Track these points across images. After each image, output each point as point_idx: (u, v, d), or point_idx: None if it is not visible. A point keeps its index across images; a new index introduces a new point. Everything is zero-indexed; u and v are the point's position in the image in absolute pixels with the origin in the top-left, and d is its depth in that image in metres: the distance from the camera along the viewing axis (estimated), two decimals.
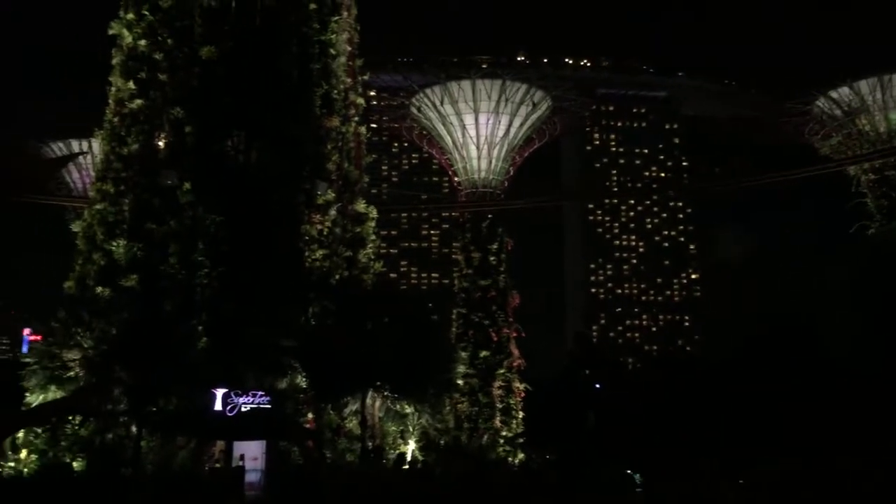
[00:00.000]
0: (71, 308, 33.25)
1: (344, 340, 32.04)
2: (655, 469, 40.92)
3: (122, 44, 39.57)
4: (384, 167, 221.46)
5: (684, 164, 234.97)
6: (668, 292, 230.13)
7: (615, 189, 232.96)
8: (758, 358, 38.26)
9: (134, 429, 30.76)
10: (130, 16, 39.48)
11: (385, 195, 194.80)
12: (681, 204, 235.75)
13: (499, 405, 65.58)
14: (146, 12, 39.19)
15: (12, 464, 31.70)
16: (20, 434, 32.30)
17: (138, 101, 38.55)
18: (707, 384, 39.97)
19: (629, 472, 42.56)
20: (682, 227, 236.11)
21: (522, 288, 73.89)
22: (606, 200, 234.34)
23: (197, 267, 35.59)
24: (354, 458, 34.68)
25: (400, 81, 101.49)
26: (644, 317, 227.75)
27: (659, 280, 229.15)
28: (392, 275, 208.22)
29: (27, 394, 32.16)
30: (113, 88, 39.62)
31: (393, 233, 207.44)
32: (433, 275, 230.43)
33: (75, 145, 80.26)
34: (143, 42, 38.94)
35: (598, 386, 58.54)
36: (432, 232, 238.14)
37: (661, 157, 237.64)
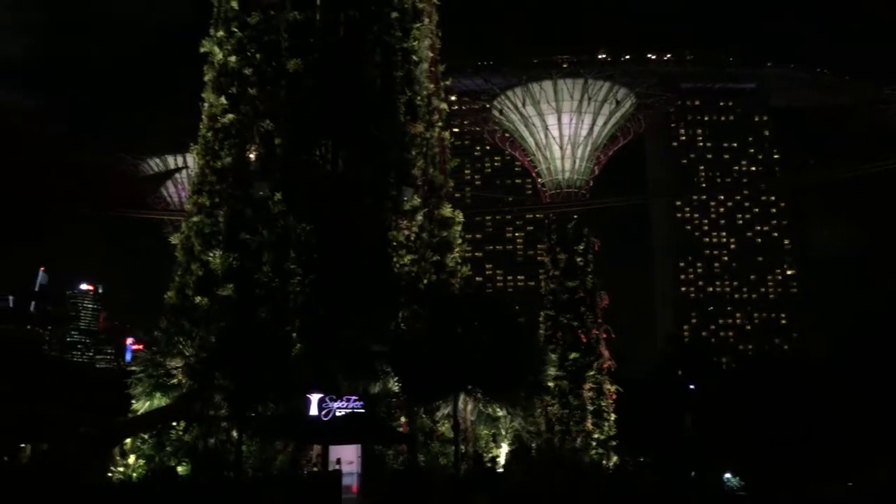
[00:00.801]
0: (172, 317, 34.53)
1: (435, 344, 32.20)
2: (756, 473, 39.75)
3: (213, 60, 40.87)
4: (467, 171, 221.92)
5: (776, 156, 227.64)
6: (763, 289, 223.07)
7: (703, 185, 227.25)
8: (862, 357, 36.78)
9: (235, 433, 31.68)
10: (221, 33, 40.75)
11: (468, 199, 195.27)
12: (773, 198, 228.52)
13: (590, 407, 64.63)
14: (235, 29, 40.38)
15: (122, 469, 33.04)
16: (128, 440, 33.65)
17: (230, 116, 39.75)
18: (808, 384, 38.61)
19: (728, 476, 41.45)
20: (775, 222, 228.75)
21: (610, 288, 72.79)
22: (695, 197, 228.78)
23: (289, 275, 36.44)
24: (448, 461, 34.81)
25: (481, 85, 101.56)
26: (738, 315, 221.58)
27: (752, 277, 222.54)
28: (478, 278, 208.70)
29: (133, 401, 33.45)
30: (206, 104, 40.99)
31: (478, 236, 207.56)
32: (518, 277, 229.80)
33: (171, 161, 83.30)
34: (233, 58, 40.13)
35: (692, 387, 57.22)
36: (517, 234, 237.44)
37: (751, 150, 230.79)
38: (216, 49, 40.77)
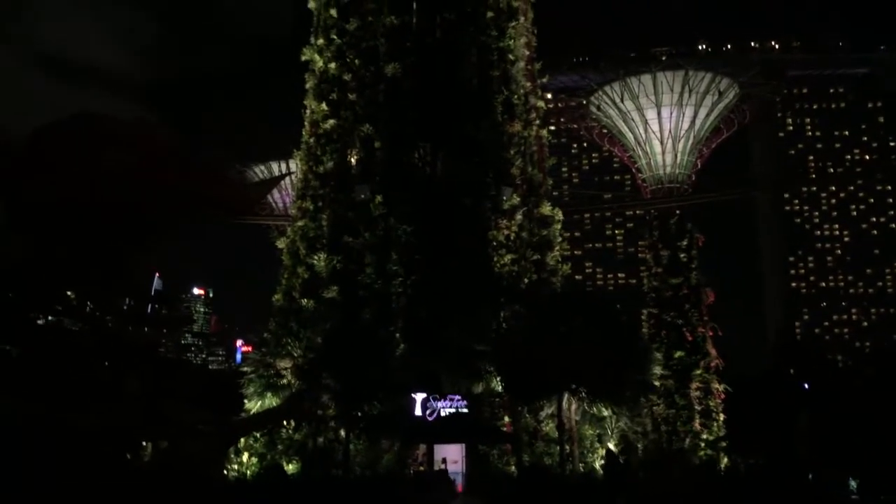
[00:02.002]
0: (280, 319, 35.58)
1: (537, 343, 32.04)
2: (875, 476, 37.94)
3: (314, 68, 41.91)
4: (565, 169, 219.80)
5: (891, 143, 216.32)
6: (880, 283, 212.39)
7: (813, 176, 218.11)
8: None
9: (342, 432, 32.37)
10: (321, 41, 41.74)
11: (567, 196, 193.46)
12: (890, 188, 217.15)
13: (697, 407, 63.12)
14: (335, 37, 41.28)
15: (236, 467, 34.20)
16: (241, 439, 34.77)
17: (331, 122, 40.67)
18: None
19: (847, 477, 39.67)
20: (892, 213, 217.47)
21: (716, 285, 70.87)
22: (804, 188, 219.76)
23: (392, 276, 37.00)
24: (552, 461, 34.59)
25: (577, 81, 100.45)
26: (853, 311, 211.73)
27: (868, 271, 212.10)
28: (577, 276, 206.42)
29: (245, 401, 34.58)
30: (308, 111, 42.07)
31: (576, 234, 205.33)
32: (619, 275, 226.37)
33: (275, 167, 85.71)
34: (332, 65, 41.04)
35: (806, 386, 55.04)
36: (616, 231, 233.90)
37: (865, 138, 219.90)
38: (317, 57, 41.77)
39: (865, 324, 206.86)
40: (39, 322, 17.07)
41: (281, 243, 42.03)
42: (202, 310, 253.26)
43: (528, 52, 45.76)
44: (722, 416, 62.81)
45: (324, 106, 40.87)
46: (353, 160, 40.47)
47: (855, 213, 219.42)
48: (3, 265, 15.20)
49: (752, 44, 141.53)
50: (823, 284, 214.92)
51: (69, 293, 17.11)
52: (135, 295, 19.73)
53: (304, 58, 42.19)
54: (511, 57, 42.81)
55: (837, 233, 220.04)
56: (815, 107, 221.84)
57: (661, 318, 66.88)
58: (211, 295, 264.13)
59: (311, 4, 42.68)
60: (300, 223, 40.55)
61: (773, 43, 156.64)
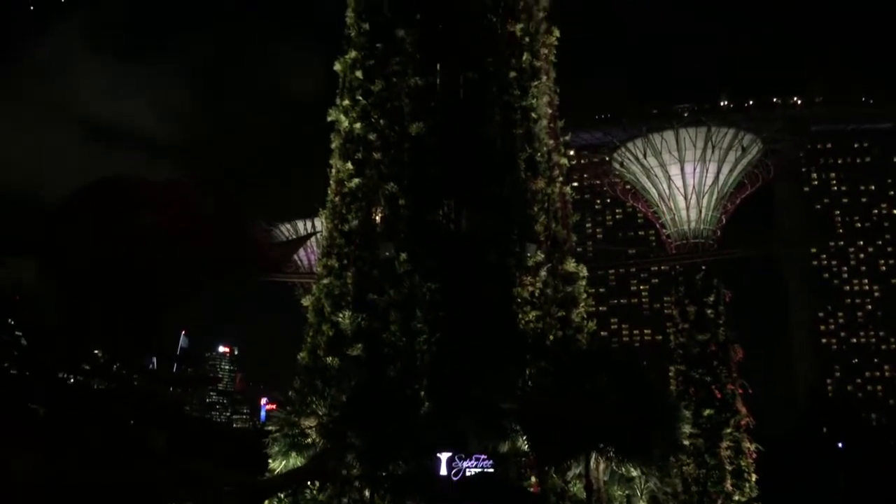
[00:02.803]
0: (305, 378, 35.54)
1: (564, 402, 31.70)
2: None
3: (339, 128, 42.57)
4: (588, 224, 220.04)
5: None
6: None
7: (840, 231, 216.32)
8: None
9: (367, 493, 31.98)
10: (346, 102, 42.46)
11: (591, 252, 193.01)
12: None
13: (728, 467, 61.76)
14: (360, 97, 41.98)
15: None
16: (266, 500, 34.46)
17: (356, 180, 41.12)
18: None
19: None
20: None
21: (744, 341, 69.95)
22: (832, 243, 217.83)
23: (416, 333, 36.92)
24: None
25: (600, 138, 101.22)
26: (885, 367, 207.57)
27: None
28: (603, 333, 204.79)
29: (270, 460, 34.36)
30: (333, 170, 42.62)
31: (601, 290, 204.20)
32: (645, 331, 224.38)
33: (301, 226, 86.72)
34: (358, 125, 41.66)
35: (840, 445, 53.75)
36: (641, 287, 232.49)
37: (891, 192, 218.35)
38: (342, 117, 42.45)
39: None
40: (67, 381, 17.22)
41: (306, 301, 42.20)
42: (227, 368, 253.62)
43: (550, 111, 46.20)
44: (754, 477, 61.38)
45: (349, 165, 41.40)
46: (377, 218, 40.79)
47: (884, 267, 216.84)
48: (34, 325, 15.45)
49: (775, 99, 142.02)
50: (854, 340, 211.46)
51: (97, 352, 17.29)
52: (162, 354, 19.88)
53: (329, 118, 42.90)
54: (534, 115, 43.25)
55: (867, 288, 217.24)
56: (839, 161, 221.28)
57: (689, 375, 65.91)
58: (236, 352, 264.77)
59: (338, 67, 43.55)
60: (325, 281, 40.75)
61: (795, 98, 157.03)
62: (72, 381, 17.38)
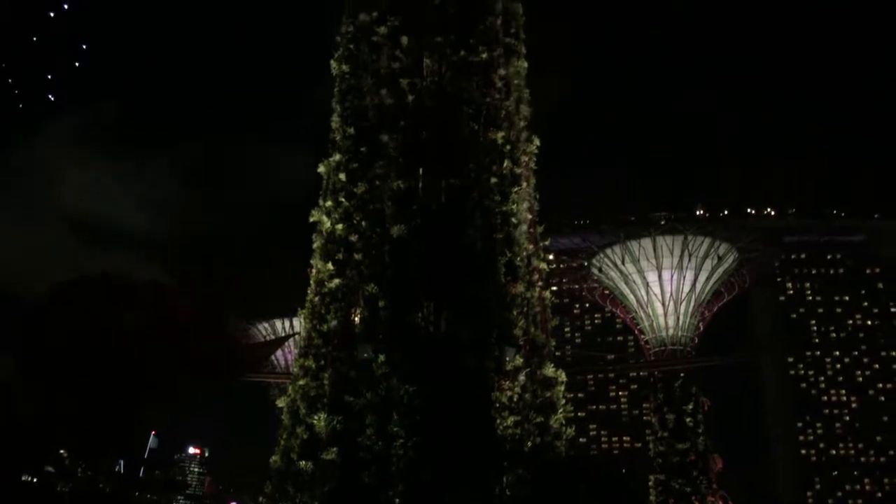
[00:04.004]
0: (278, 482, 34.61)
1: None
2: None
3: (321, 229, 42.92)
4: (567, 329, 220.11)
5: (892, 309, 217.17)
6: (891, 452, 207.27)
7: (817, 340, 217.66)
8: None
9: None
10: (329, 203, 42.97)
11: (570, 357, 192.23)
12: (894, 353, 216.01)
13: None
14: (343, 199, 42.53)
15: None
16: None
17: (336, 281, 41.18)
18: None
19: None
20: None
21: (724, 451, 69.28)
22: (808, 353, 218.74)
23: (393, 438, 36.27)
24: None
25: (579, 243, 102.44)
26: (866, 481, 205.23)
27: (879, 438, 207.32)
28: (582, 439, 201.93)
29: None
30: (314, 270, 42.71)
31: (580, 395, 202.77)
32: (624, 438, 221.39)
33: (279, 324, 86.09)
34: (340, 226, 42.05)
35: None
36: (620, 393, 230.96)
37: (865, 303, 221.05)
38: (325, 218, 42.86)
39: (879, 494, 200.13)
40: (31, 483, 16.71)
41: (281, 402, 41.52)
42: (197, 470, 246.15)
43: (530, 216, 46.93)
44: None
45: (330, 265, 41.54)
46: (356, 319, 40.66)
47: (861, 378, 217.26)
48: (6, 418, 15.12)
49: (749, 210, 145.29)
50: (834, 452, 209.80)
51: (62, 452, 16.85)
52: (130, 455, 19.40)
53: (312, 219, 43.29)
54: (514, 220, 43.86)
55: (845, 399, 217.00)
56: (814, 272, 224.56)
57: (668, 484, 64.98)
58: (207, 454, 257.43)
59: (322, 169, 44.30)
60: (301, 382, 40.24)
61: (769, 209, 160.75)
62: (35, 482, 16.87)
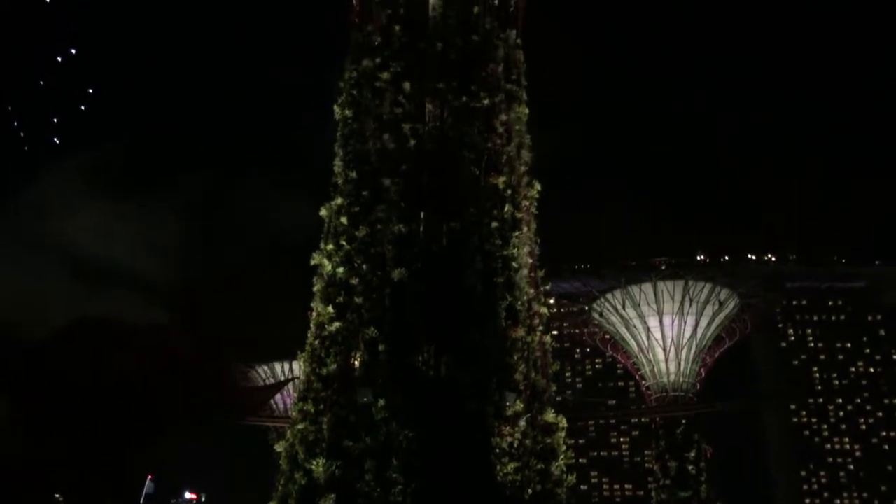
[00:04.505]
0: None
1: None
2: None
3: (322, 272, 42.95)
4: (568, 374, 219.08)
5: (894, 357, 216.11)
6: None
7: (819, 388, 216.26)
8: None
9: None
10: (330, 247, 43.07)
11: (570, 403, 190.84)
12: None
13: None
14: (344, 243, 42.63)
15: None
16: None
17: (336, 324, 41.06)
18: None
19: None
20: None
21: (727, 498, 68.41)
22: (811, 400, 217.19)
23: (391, 483, 35.87)
24: None
25: (579, 288, 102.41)
26: None
27: (883, 488, 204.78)
28: (582, 486, 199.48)
29: None
30: (314, 313, 42.62)
31: (581, 441, 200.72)
32: (626, 486, 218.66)
33: (278, 367, 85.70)
34: (341, 269, 42.07)
35: None
36: (622, 439, 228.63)
37: (867, 350, 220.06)
38: (325, 261, 42.92)
39: None
40: None
41: (279, 447, 41.14)
42: None
43: (531, 260, 47.00)
44: None
45: (330, 309, 41.47)
46: (356, 363, 40.49)
47: (864, 426, 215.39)
48: (1, 460, 14.98)
49: (750, 255, 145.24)
50: (837, 502, 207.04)
51: (58, 495, 16.65)
52: (126, 499, 19.17)
53: (313, 262, 43.36)
54: (515, 265, 43.91)
55: (848, 447, 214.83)
56: (815, 318, 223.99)
57: None
58: (203, 499, 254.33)
59: (323, 212, 44.49)
60: (300, 426, 39.90)
61: (769, 255, 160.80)
62: None
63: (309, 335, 42.73)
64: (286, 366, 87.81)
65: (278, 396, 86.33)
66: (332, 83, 47.86)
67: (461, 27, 47.02)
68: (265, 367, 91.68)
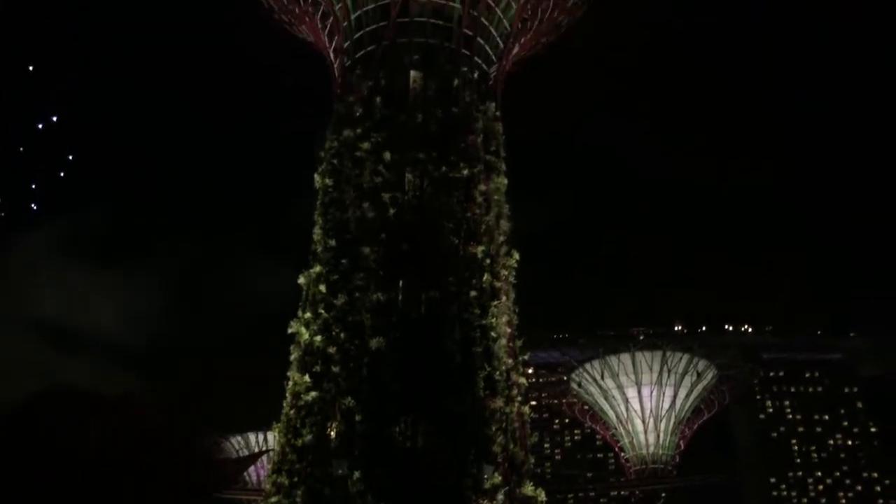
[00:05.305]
0: None
1: None
2: None
3: (299, 340, 42.59)
4: (547, 445, 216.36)
5: (873, 430, 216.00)
6: None
7: (798, 461, 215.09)
8: None
9: None
10: (308, 315, 42.80)
11: (549, 475, 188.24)
12: (875, 474, 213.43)
13: None
14: (322, 311, 42.40)
15: None
16: None
17: (313, 394, 40.54)
18: None
19: None
20: (881, 501, 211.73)
21: None
22: (790, 473, 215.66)
23: None
24: None
25: (558, 357, 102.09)
26: None
27: None
28: None
29: None
30: (290, 382, 42.11)
31: None
32: None
33: (252, 438, 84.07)
34: (318, 338, 41.75)
35: None
36: None
37: (845, 423, 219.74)
38: (303, 330, 42.59)
39: None
40: None
41: None
42: None
43: (509, 330, 46.92)
44: None
45: (307, 378, 41.00)
46: (332, 434, 39.82)
47: (844, 500, 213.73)
48: None
49: (727, 326, 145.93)
50: None
51: None
52: None
53: (290, 330, 43.03)
54: (493, 334, 43.81)
55: None
56: (793, 390, 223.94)
57: None
58: None
59: (302, 280, 44.34)
60: (273, 500, 38.99)
61: (746, 326, 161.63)
62: None
63: (284, 405, 42.12)
64: (261, 436, 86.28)
65: (252, 468, 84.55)
66: (313, 150, 48.37)
67: (441, 99, 47.88)
68: (239, 438, 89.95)
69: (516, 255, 47.35)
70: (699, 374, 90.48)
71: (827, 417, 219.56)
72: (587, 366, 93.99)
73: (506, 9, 51.71)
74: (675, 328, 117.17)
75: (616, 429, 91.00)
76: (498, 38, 52.12)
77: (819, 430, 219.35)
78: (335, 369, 40.92)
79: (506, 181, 48.74)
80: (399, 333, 40.92)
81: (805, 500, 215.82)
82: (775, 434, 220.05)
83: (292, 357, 42.75)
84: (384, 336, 40.66)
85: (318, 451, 39.23)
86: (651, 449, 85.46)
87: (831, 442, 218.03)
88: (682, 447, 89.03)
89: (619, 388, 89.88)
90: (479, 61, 50.75)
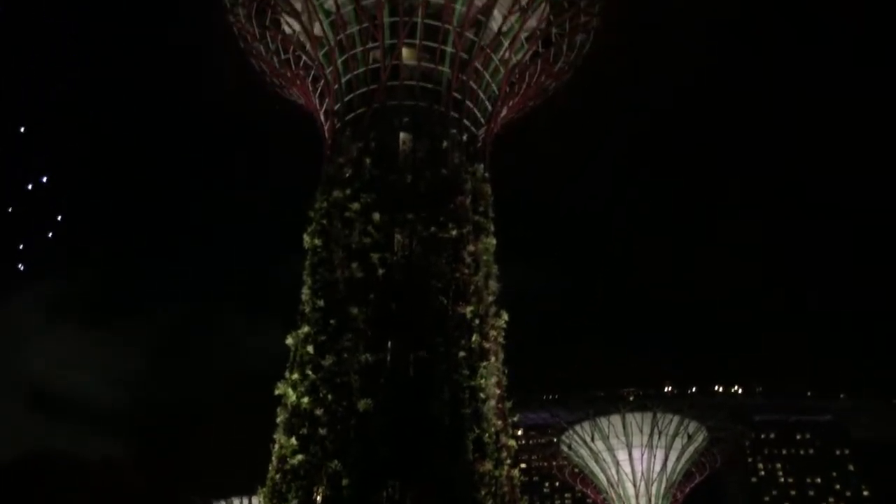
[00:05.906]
0: None
1: None
2: None
3: (286, 402, 42.07)
4: None
5: (865, 493, 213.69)
6: None
7: None
8: None
9: None
10: (295, 376, 42.36)
11: None
12: None
13: None
14: (309, 372, 41.99)
15: None
16: None
17: (299, 457, 39.86)
18: None
19: None
20: None
21: None
22: None
23: None
24: None
25: (547, 419, 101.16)
26: None
27: None
28: None
29: None
30: (276, 445, 41.46)
31: None
32: None
33: (236, 502, 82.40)
34: (305, 400, 41.25)
35: None
36: None
37: (837, 486, 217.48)
38: (290, 391, 42.10)
39: None
40: None
41: None
42: None
43: (498, 391, 46.57)
44: None
45: (293, 441, 40.37)
46: (318, 498, 39.05)
47: None
48: None
49: (717, 387, 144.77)
50: None
51: None
52: None
53: (277, 392, 42.52)
54: (482, 395, 43.44)
55: None
56: (784, 452, 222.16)
57: None
58: None
59: (289, 341, 44.00)
60: None
61: (736, 387, 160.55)
62: None
63: (270, 468, 41.34)
64: (245, 501, 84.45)
65: None
66: (303, 211, 48.43)
67: (430, 161, 48.33)
68: (223, 502, 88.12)
69: (505, 316, 47.24)
70: (690, 436, 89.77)
71: (819, 480, 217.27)
72: (577, 427, 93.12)
73: (494, 73, 52.65)
74: (665, 389, 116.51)
75: (607, 492, 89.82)
76: (486, 102, 52.96)
77: (812, 493, 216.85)
78: (322, 431, 40.33)
79: (494, 241, 48.90)
80: (387, 395, 40.52)
81: None
82: (768, 498, 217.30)
83: (279, 419, 42.17)
84: (372, 397, 40.24)
85: None
86: None
87: None
88: None
89: (610, 450, 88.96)
90: (468, 123, 51.42)
